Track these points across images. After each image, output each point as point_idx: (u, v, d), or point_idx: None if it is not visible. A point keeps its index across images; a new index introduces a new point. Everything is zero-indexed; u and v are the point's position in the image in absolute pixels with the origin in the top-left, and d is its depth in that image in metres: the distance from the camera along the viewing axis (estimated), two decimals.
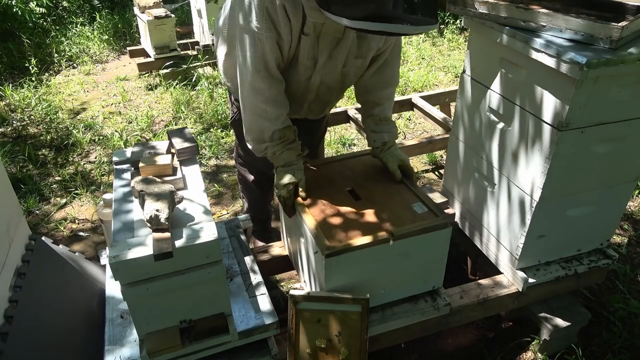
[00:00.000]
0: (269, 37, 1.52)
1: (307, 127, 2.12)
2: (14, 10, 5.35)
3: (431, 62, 5.20)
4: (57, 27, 6.00)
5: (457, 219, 2.17)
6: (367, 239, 1.47)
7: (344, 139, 3.65)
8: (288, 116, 1.70)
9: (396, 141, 1.90)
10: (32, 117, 4.09)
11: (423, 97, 3.42)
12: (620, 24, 1.37)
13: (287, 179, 1.67)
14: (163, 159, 1.52)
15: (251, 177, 2.28)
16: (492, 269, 1.98)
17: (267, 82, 1.59)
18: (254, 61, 1.56)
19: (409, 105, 3.47)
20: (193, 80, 4.60)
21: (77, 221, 2.88)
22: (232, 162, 3.42)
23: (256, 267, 1.73)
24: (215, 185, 3.15)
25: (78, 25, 6.16)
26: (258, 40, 1.53)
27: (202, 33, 5.00)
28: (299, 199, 1.66)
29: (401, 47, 1.84)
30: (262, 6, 1.47)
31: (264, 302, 1.57)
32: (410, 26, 1.28)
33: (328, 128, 3.70)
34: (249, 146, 1.77)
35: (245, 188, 2.39)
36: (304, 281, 1.81)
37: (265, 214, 2.51)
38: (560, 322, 1.90)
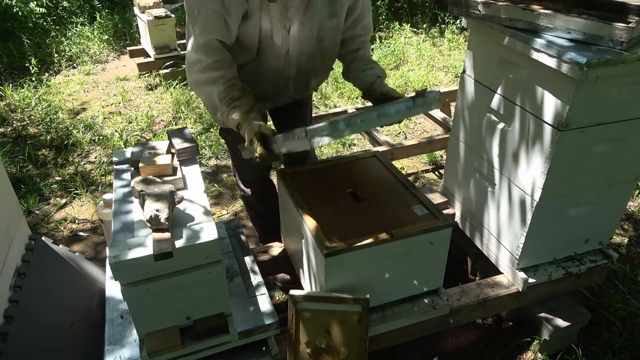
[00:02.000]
0: (216, 12, 1.51)
1: (294, 113, 2.08)
2: (14, 10, 5.35)
3: (431, 62, 5.20)
4: (57, 27, 6.00)
5: (457, 219, 2.17)
6: (367, 240, 1.47)
7: (344, 139, 3.65)
8: (235, 79, 1.65)
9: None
10: (32, 117, 4.09)
11: None
12: (630, 25, 1.37)
13: (247, 137, 1.58)
14: (163, 159, 1.52)
15: (249, 190, 2.20)
16: (492, 269, 1.98)
17: (203, 54, 1.58)
18: (196, 38, 1.57)
19: None
20: None
21: (77, 221, 2.88)
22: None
23: (256, 267, 1.73)
24: (215, 185, 3.15)
25: (78, 25, 6.16)
26: (202, 15, 1.53)
27: None
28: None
29: None
30: None
31: (264, 302, 1.57)
32: None
33: None
34: (214, 119, 1.75)
35: (250, 208, 2.31)
36: (304, 281, 1.81)
37: (273, 219, 2.27)
38: (560, 322, 1.90)
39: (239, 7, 1.53)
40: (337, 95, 4.41)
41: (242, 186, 2.22)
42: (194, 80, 1.66)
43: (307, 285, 1.77)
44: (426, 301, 1.68)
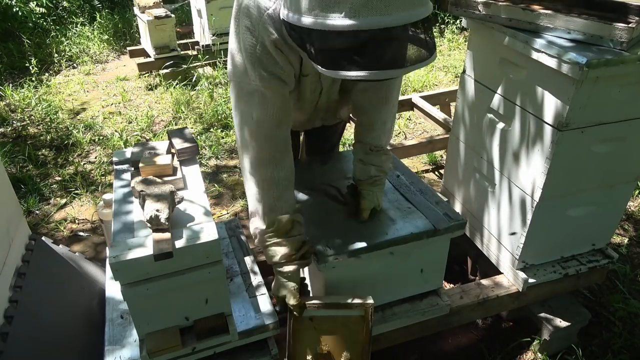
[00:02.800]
0: (273, 88, 1.32)
1: (321, 134, 2.02)
2: (14, 10, 5.35)
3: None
4: (57, 27, 6.00)
5: None
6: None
7: (344, 139, 3.65)
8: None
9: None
10: (32, 117, 4.09)
11: (423, 97, 3.42)
12: (630, 25, 1.37)
13: (287, 288, 1.42)
14: (163, 159, 1.52)
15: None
16: (492, 269, 1.98)
17: (273, 129, 1.37)
18: (262, 123, 1.35)
19: (409, 105, 3.47)
20: (193, 80, 4.60)
21: (77, 221, 2.88)
22: (232, 163, 3.43)
23: (256, 268, 1.73)
24: (215, 185, 3.15)
25: (78, 25, 6.16)
26: (260, 97, 1.32)
27: (202, 33, 5.00)
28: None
29: None
30: (254, 55, 1.27)
31: (264, 302, 1.57)
32: (408, 66, 1.08)
33: None
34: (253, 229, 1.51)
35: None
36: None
37: None
38: (560, 322, 1.90)
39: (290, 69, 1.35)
40: None
41: None
42: (239, 111, 1.40)
43: (308, 285, 1.77)
44: (426, 301, 1.68)
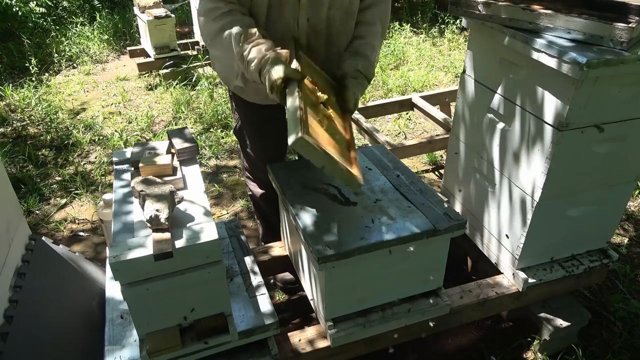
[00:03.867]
0: None
1: None
2: (14, 10, 5.35)
3: (431, 62, 5.20)
4: (57, 27, 6.00)
5: None
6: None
7: None
8: (254, 23, 1.58)
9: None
10: (32, 117, 4.09)
11: (423, 97, 3.42)
12: (630, 25, 1.37)
13: (276, 73, 1.46)
14: (163, 159, 1.52)
15: (259, 192, 2.15)
16: (492, 269, 1.98)
17: (222, 1, 1.55)
18: None
19: (409, 105, 3.47)
20: (193, 80, 4.60)
21: (77, 221, 2.88)
22: (232, 163, 3.43)
23: (256, 268, 1.73)
24: (215, 185, 3.15)
25: (78, 25, 6.16)
26: None
27: None
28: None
29: None
30: None
31: (264, 302, 1.57)
32: None
33: None
34: (228, 82, 1.72)
35: (257, 208, 2.27)
36: (304, 282, 1.81)
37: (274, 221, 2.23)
38: (560, 322, 1.90)
39: None
40: None
41: (252, 188, 2.19)
42: (212, 30, 1.57)
43: (308, 285, 1.77)
44: (426, 301, 1.68)
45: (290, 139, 1.29)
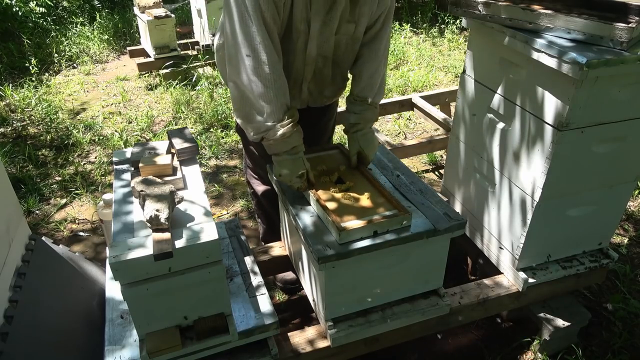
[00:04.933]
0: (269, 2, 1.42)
1: (310, 133, 2.05)
2: (14, 10, 5.35)
3: (431, 62, 5.20)
4: (57, 27, 6.00)
5: None
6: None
7: (344, 139, 3.65)
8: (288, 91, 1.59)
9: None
10: (32, 117, 4.09)
11: (423, 97, 3.42)
12: (630, 25, 1.37)
13: (297, 169, 1.58)
14: (163, 159, 1.52)
15: (261, 189, 2.15)
16: (492, 269, 1.98)
17: (267, 46, 1.47)
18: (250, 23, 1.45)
19: (409, 105, 3.47)
20: (193, 80, 4.60)
21: (77, 221, 2.88)
22: (232, 163, 3.43)
23: (256, 268, 1.73)
24: (215, 185, 3.15)
25: (78, 25, 6.16)
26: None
27: (202, 33, 5.00)
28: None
29: (391, 21, 1.79)
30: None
31: (264, 302, 1.57)
32: None
33: None
34: (248, 131, 1.65)
35: (259, 207, 2.26)
36: (304, 282, 1.81)
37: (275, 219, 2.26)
38: (560, 322, 1.90)
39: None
40: None
41: (254, 185, 2.19)
42: (261, 77, 1.50)
43: (308, 285, 1.77)
44: (426, 301, 1.68)
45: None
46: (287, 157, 1.60)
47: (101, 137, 3.75)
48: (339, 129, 3.76)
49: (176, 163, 1.58)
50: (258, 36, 1.46)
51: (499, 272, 1.94)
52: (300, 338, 1.64)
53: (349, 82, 1.93)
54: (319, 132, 2.13)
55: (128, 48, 5.39)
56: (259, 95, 1.51)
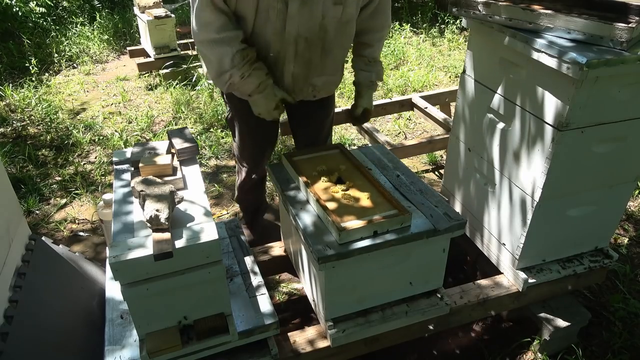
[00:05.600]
0: None
1: (308, 132, 2.11)
2: (14, 10, 5.35)
3: (431, 62, 5.20)
4: (57, 27, 6.00)
5: None
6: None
7: (344, 139, 3.65)
8: (245, 39, 1.69)
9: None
10: (32, 117, 4.09)
11: (423, 97, 3.42)
12: (630, 25, 1.37)
13: (271, 104, 1.74)
14: (163, 159, 1.52)
15: (246, 179, 2.29)
16: (492, 269, 1.98)
17: (214, 14, 1.59)
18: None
19: (409, 105, 3.47)
20: (193, 80, 4.60)
21: (77, 221, 2.88)
22: (232, 162, 3.42)
23: (256, 268, 1.73)
24: (215, 185, 3.15)
25: (78, 25, 6.16)
26: None
27: None
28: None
29: None
30: None
31: (264, 302, 1.57)
32: None
33: None
34: (217, 84, 1.78)
35: (241, 199, 2.44)
36: (304, 282, 1.81)
37: (254, 204, 2.50)
38: (560, 322, 1.90)
39: None
40: (337, 95, 4.42)
41: (240, 174, 2.31)
42: (209, 39, 1.63)
43: (308, 285, 1.77)
44: (426, 301, 1.68)
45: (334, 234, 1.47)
46: (257, 95, 1.72)
47: (101, 137, 3.75)
48: (339, 130, 3.76)
49: (176, 163, 1.58)
50: (207, 15, 1.60)
51: (499, 272, 1.94)
52: (300, 338, 1.65)
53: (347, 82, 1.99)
54: (315, 129, 2.16)
55: (128, 48, 5.39)
56: (212, 46, 1.64)
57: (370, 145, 2.47)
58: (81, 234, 2.78)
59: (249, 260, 1.76)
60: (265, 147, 2.17)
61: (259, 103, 1.75)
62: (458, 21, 5.89)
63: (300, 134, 2.20)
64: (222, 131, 3.78)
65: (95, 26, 6.16)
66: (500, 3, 1.62)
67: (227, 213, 2.93)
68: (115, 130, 3.81)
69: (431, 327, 1.78)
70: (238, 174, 2.37)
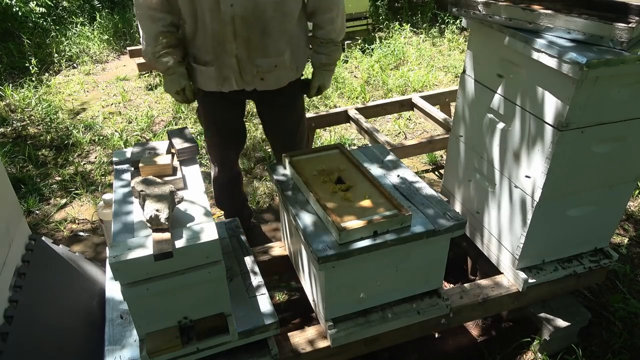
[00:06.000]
0: None
1: (282, 135, 2.17)
2: (14, 10, 5.36)
3: (431, 62, 5.20)
4: (57, 27, 6.00)
5: None
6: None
7: (344, 139, 3.65)
8: (175, 26, 1.87)
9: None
10: (32, 117, 4.09)
11: (423, 97, 3.42)
12: (630, 25, 1.37)
13: (172, 88, 1.92)
14: (163, 159, 1.52)
15: (216, 174, 2.37)
16: (492, 269, 1.98)
17: None
18: None
19: (409, 105, 3.47)
20: None
21: (77, 221, 2.88)
22: None
23: (256, 268, 1.73)
24: None
25: (78, 25, 6.16)
26: None
27: None
28: None
29: None
30: None
31: (264, 302, 1.57)
32: None
33: (328, 128, 3.73)
34: (143, 55, 1.92)
35: (216, 194, 2.48)
36: (305, 282, 1.81)
37: (230, 207, 2.54)
38: (560, 322, 1.90)
39: None
40: (337, 95, 4.42)
41: (212, 170, 2.40)
42: (143, 14, 1.81)
43: (308, 285, 1.77)
44: (426, 301, 1.69)
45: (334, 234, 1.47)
46: (166, 77, 1.92)
47: (101, 137, 3.75)
48: (339, 130, 3.76)
49: (176, 163, 1.58)
50: None
51: (499, 272, 1.94)
52: (300, 338, 1.65)
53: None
54: (286, 132, 2.20)
55: (128, 48, 5.39)
56: (144, 20, 1.82)
57: (370, 145, 2.47)
58: (81, 234, 2.78)
59: (249, 260, 1.76)
60: (229, 141, 2.23)
61: (165, 84, 1.95)
62: (458, 21, 5.89)
63: (272, 137, 2.28)
64: None
65: (95, 26, 6.16)
66: (500, 3, 1.62)
67: None
68: (115, 130, 3.81)
69: (431, 327, 1.78)
70: (212, 177, 2.44)
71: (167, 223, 1.25)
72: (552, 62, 1.46)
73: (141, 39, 1.89)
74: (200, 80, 1.95)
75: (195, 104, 2.51)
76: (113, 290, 1.66)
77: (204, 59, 1.89)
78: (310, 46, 2.05)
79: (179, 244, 1.22)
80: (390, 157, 1.94)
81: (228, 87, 1.93)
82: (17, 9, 5.36)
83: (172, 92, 1.95)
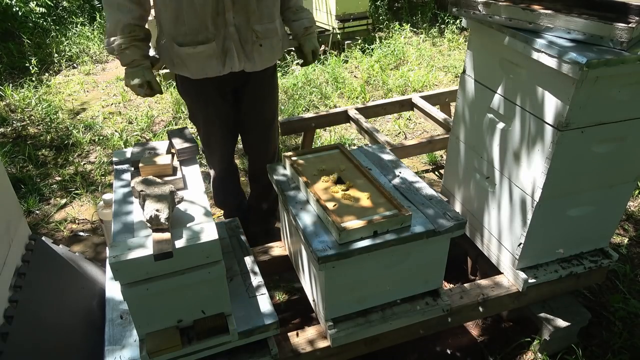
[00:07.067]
0: None
1: (251, 92, 2.13)
2: (14, 10, 5.36)
3: (431, 62, 5.20)
4: (57, 27, 6.00)
5: None
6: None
7: (344, 139, 3.65)
8: (144, 20, 1.86)
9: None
10: (32, 117, 4.09)
11: (423, 97, 3.42)
12: (630, 25, 1.37)
13: (136, 80, 1.85)
14: (163, 159, 1.52)
15: (212, 174, 2.38)
16: (492, 269, 1.98)
17: None
18: None
19: (409, 105, 3.47)
20: None
21: (77, 221, 2.88)
22: None
23: (256, 268, 1.73)
24: None
25: (78, 25, 6.17)
26: None
27: None
28: None
29: None
30: None
31: (264, 302, 1.57)
32: None
33: (328, 128, 3.73)
34: (105, 44, 1.87)
35: (214, 193, 2.49)
36: (305, 282, 1.81)
37: (227, 205, 2.53)
38: (560, 322, 1.90)
39: None
40: (337, 95, 4.42)
41: (209, 170, 2.42)
42: (111, 3, 1.79)
43: (308, 285, 1.77)
44: (426, 301, 1.69)
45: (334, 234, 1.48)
46: (129, 69, 1.87)
47: (101, 137, 3.75)
48: (339, 130, 3.76)
49: (176, 163, 1.58)
50: None
51: (499, 272, 1.94)
52: (300, 338, 1.65)
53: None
54: (258, 116, 2.21)
55: None
56: (112, 10, 1.79)
57: (370, 145, 2.47)
58: (81, 234, 2.78)
59: (249, 260, 1.76)
60: (222, 128, 2.23)
61: (127, 76, 1.89)
62: (458, 21, 5.89)
63: (249, 128, 2.27)
64: None
65: (95, 26, 6.16)
66: (500, 3, 1.62)
67: None
68: (115, 130, 3.81)
69: (431, 327, 1.78)
70: (210, 177, 2.46)
71: (167, 223, 1.25)
72: (552, 62, 1.46)
73: (107, 30, 1.85)
74: (192, 65, 1.90)
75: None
76: (113, 290, 1.66)
77: (199, 38, 1.84)
78: (284, 21, 2.10)
79: (179, 244, 1.22)
80: (391, 157, 1.94)
81: (229, 63, 1.90)
82: (17, 9, 5.36)
83: (136, 84, 1.88)
